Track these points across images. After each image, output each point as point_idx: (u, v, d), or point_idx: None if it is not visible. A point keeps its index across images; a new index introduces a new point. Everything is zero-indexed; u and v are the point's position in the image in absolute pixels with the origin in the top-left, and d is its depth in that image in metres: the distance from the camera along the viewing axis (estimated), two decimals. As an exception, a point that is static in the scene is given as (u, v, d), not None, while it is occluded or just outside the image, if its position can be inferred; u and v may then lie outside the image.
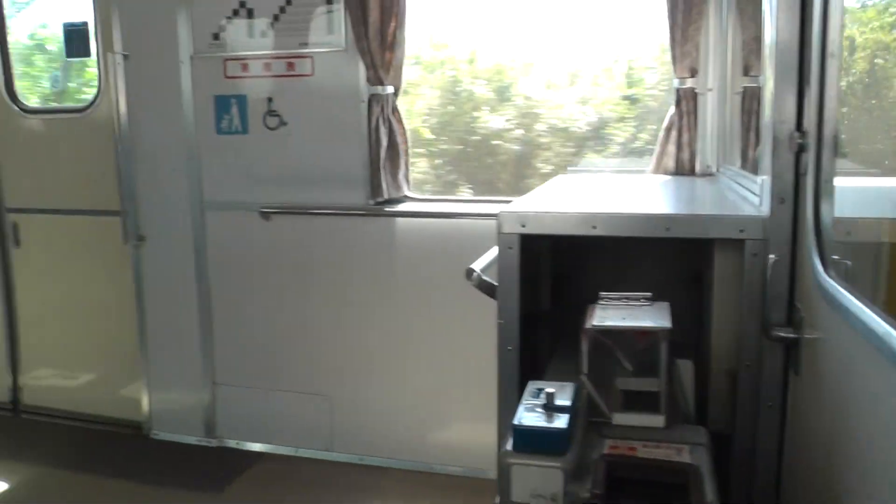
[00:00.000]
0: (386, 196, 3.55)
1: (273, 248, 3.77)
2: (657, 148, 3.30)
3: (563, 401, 1.67)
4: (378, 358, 3.69)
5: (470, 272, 2.13)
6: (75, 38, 4.01)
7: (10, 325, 4.54)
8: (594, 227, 1.97)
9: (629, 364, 1.82)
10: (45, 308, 4.48)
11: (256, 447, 3.95)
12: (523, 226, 2.02)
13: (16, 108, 4.30)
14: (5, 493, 3.68)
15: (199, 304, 3.93)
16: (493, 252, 2.15)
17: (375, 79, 3.45)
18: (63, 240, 4.34)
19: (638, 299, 1.94)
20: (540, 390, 1.71)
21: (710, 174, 3.24)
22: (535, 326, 2.33)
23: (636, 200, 2.57)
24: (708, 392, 2.04)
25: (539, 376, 2.00)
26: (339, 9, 3.48)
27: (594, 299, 1.96)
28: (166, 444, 4.09)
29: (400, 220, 3.58)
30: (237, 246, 3.85)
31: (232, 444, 4.00)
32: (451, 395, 3.61)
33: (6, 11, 4.29)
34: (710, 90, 3.28)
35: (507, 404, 2.00)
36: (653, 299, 1.93)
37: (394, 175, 3.58)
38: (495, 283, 2.09)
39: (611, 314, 1.87)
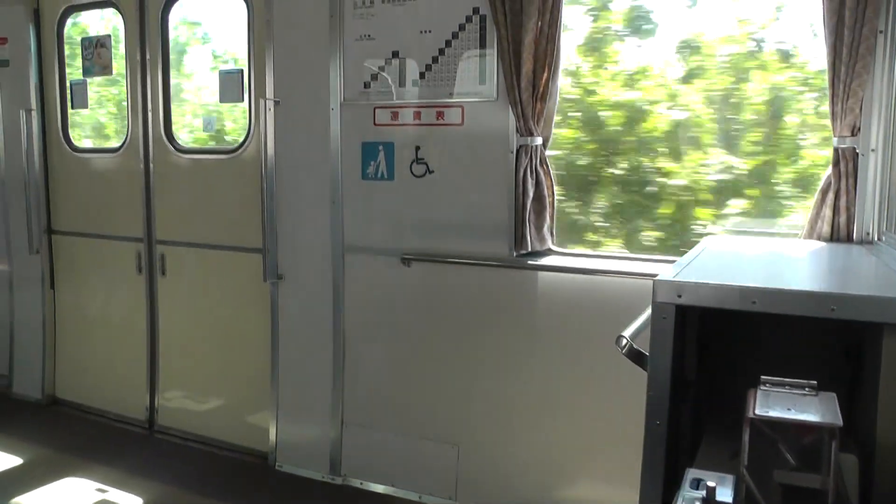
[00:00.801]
0: (529, 248, 3.44)
1: (411, 295, 3.72)
2: (811, 211, 3.05)
3: (725, 497, 1.54)
4: (510, 410, 3.57)
5: (620, 340, 2.00)
6: (230, 84, 4.11)
7: (152, 349, 4.68)
8: (754, 303, 1.82)
9: (792, 458, 1.67)
10: (185, 335, 4.60)
11: (380, 489, 3.88)
12: (679, 296, 1.88)
13: (172, 147, 4.45)
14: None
15: (334, 343, 3.92)
16: (644, 317, 2.03)
17: (525, 129, 3.37)
18: (206, 272, 4.45)
19: (803, 387, 1.77)
20: (699, 481, 1.58)
21: (870, 242, 2.98)
22: (680, 397, 2.17)
23: (795, 273, 2.39)
24: (871, 491, 1.83)
25: (682, 452, 1.88)
26: (492, 59, 3.42)
27: (739, 371, 1.82)
28: (291, 477, 4.08)
29: (542, 273, 3.46)
30: (375, 290, 3.82)
31: (356, 483, 3.95)
32: (583, 455, 3.44)
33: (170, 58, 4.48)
34: (874, 150, 3.02)
35: (651, 480, 1.89)
36: (818, 388, 1.76)
37: (538, 227, 3.47)
38: (646, 353, 1.95)
39: (774, 403, 1.71)
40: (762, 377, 1.80)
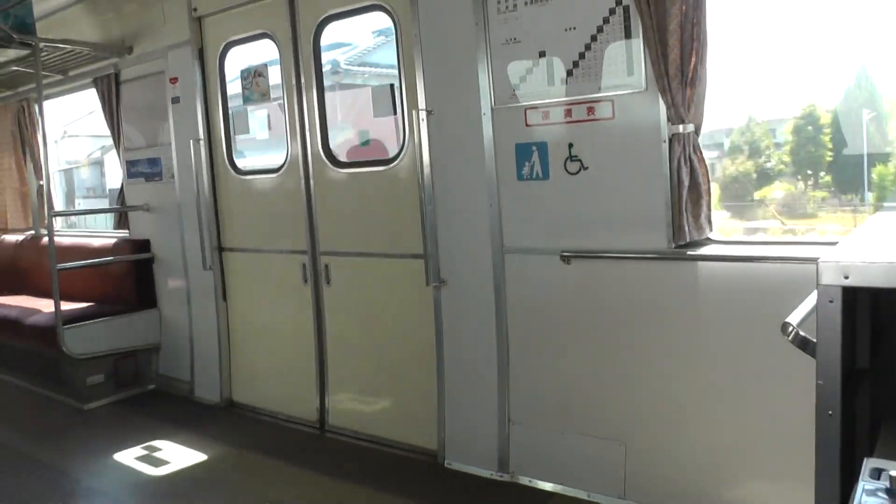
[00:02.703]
0: (688, 239, 3.26)
1: (572, 292, 3.60)
2: None
3: (910, 486, 1.37)
4: (677, 406, 3.38)
5: (786, 327, 1.82)
6: (382, 99, 4.14)
7: (320, 353, 4.79)
8: None
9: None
10: (351, 339, 4.68)
11: (548, 486, 3.78)
12: (846, 277, 1.70)
13: (329, 163, 4.56)
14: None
15: (498, 343, 3.86)
16: (811, 302, 1.84)
17: (676, 117, 3.19)
18: (369, 279, 4.52)
19: None
20: (880, 471, 1.44)
21: None
22: (853, 386, 1.95)
23: None
24: None
25: (859, 444, 1.71)
26: (639, 49, 3.26)
27: None
28: (460, 474, 4.05)
29: (703, 263, 3.25)
30: (536, 289, 3.73)
31: (525, 480, 3.86)
32: (752, 450, 3.19)
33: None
34: None
35: (827, 475, 1.72)
36: None
37: (696, 217, 3.28)
38: (813, 340, 1.78)
39: None
40: None
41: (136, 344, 5.77)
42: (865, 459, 1.54)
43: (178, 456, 4.49)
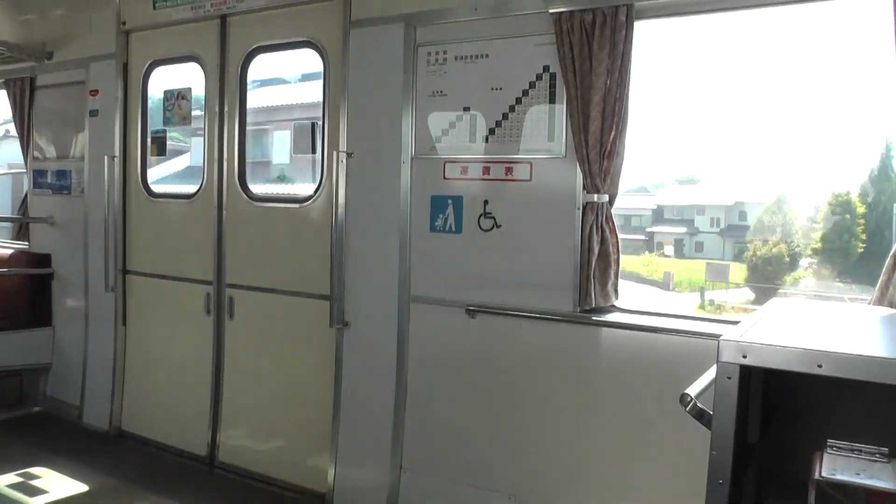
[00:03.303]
0: (594, 304, 3.31)
1: (475, 346, 3.59)
2: (882, 277, 2.84)
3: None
4: (571, 465, 3.38)
5: (685, 398, 1.92)
6: (302, 136, 4.07)
7: (216, 387, 4.61)
8: (820, 366, 1.74)
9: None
10: (249, 375, 4.52)
11: (437, 537, 3.70)
12: (744, 356, 1.83)
13: (245, 195, 4.43)
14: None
15: (396, 389, 3.80)
16: (708, 376, 1.96)
17: (592, 186, 3.25)
18: (273, 316, 4.39)
19: (873, 453, 1.72)
20: None
21: None
22: (743, 459, 2.03)
23: (863, 339, 2.21)
24: None
25: None
26: (561, 116, 3.32)
27: (802, 436, 1.79)
28: (348, 520, 3.92)
29: (606, 329, 3.30)
30: (439, 340, 3.70)
31: (413, 531, 3.77)
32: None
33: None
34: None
35: None
36: (890, 455, 1.69)
37: (603, 284, 3.33)
38: (710, 412, 1.89)
39: (842, 466, 1.68)
40: (829, 441, 1.76)
41: (24, 362, 5.43)
42: None
43: (57, 485, 4.21)
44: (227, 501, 4.14)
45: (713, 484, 1.87)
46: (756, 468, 2.23)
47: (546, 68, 3.35)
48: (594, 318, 3.31)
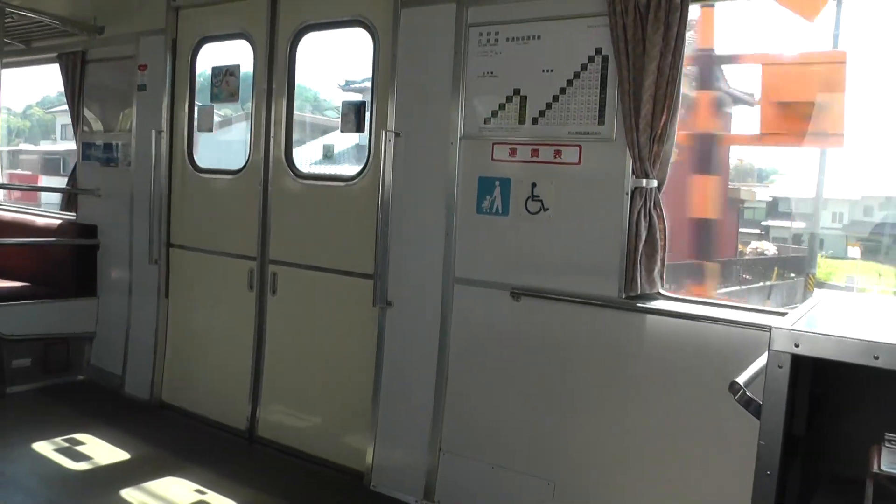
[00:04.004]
0: (639, 291, 3.25)
1: (518, 329, 3.55)
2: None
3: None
4: (610, 453, 3.35)
5: (735, 387, 1.88)
6: (351, 115, 4.05)
7: (257, 363, 4.64)
8: (876, 358, 1.69)
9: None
10: (290, 352, 4.54)
11: (473, 519, 3.70)
12: (797, 345, 1.79)
13: (291, 172, 4.44)
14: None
15: (438, 371, 3.79)
16: (757, 365, 1.92)
17: (641, 171, 3.19)
18: (315, 294, 4.39)
19: None
20: None
21: None
22: (791, 451, 1.98)
23: None
24: None
25: None
26: (612, 99, 3.26)
27: (850, 432, 1.76)
28: (384, 498, 3.94)
29: (650, 317, 3.24)
30: (482, 322, 3.67)
31: (449, 511, 3.77)
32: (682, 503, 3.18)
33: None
34: None
35: None
36: None
37: (649, 270, 3.27)
38: (759, 401, 1.86)
39: None
40: (887, 434, 1.72)
41: (69, 330, 5.52)
42: None
43: (100, 451, 4.29)
44: (266, 476, 4.17)
45: (760, 475, 1.84)
46: (802, 462, 2.18)
47: (598, 50, 3.29)
48: (639, 304, 3.25)
